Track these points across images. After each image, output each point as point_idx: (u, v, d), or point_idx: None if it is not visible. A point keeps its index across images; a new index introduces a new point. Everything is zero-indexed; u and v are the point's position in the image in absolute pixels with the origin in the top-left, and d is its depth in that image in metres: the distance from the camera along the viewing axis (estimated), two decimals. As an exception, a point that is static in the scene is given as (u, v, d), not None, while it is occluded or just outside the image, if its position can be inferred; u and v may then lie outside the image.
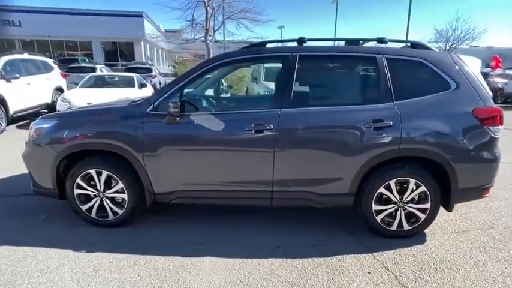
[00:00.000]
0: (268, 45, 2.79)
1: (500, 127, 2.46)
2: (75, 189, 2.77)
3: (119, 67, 23.42)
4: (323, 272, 2.26)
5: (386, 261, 2.39)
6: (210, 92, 3.82)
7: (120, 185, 2.72)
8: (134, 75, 9.53)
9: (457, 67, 2.52)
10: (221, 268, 2.30)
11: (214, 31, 13.88)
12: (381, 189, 2.56)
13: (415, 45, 2.69)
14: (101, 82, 8.95)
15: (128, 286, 2.11)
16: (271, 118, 2.50)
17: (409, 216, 2.62)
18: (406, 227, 2.63)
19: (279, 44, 2.82)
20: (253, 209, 3.08)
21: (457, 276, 2.21)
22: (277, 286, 2.12)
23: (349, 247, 2.56)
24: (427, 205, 2.57)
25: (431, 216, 2.60)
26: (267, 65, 9.82)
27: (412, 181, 2.52)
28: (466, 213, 3.10)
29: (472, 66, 2.57)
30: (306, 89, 2.60)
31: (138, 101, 3.03)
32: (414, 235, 2.68)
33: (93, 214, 2.83)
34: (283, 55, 2.59)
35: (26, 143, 2.93)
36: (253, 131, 2.50)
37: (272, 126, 2.48)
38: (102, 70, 14.89)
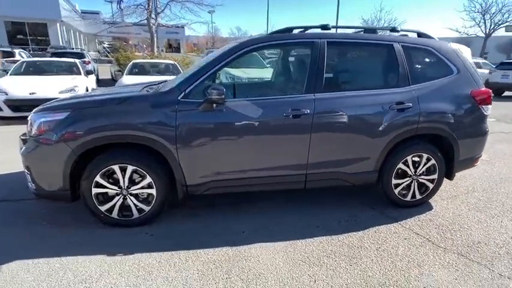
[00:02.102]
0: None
1: (489, 106, 2.99)
2: (93, 189, 2.50)
3: (31, 52, 20.40)
4: (369, 243, 2.51)
5: (412, 227, 2.75)
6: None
7: (148, 180, 2.54)
8: (77, 60, 8.50)
9: (456, 54, 2.97)
10: (276, 252, 2.38)
11: (157, 13, 12.97)
12: (400, 165, 2.90)
13: (420, 34, 3.06)
14: (35, 69, 7.78)
15: (194, 283, 2.05)
16: (307, 103, 2.61)
17: (421, 187, 3.04)
18: (418, 196, 3.05)
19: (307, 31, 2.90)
20: (274, 194, 3.18)
21: (471, 232, 2.69)
22: (337, 261, 2.29)
23: (376, 219, 2.87)
24: (435, 176, 3.01)
25: (438, 185, 3.06)
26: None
27: (425, 155, 2.92)
28: (450, 182, 3.69)
29: (465, 53, 3.05)
30: (335, 74, 2.76)
31: (154, 86, 2.84)
32: (423, 203, 3.11)
33: (115, 214, 2.60)
34: (313, 41, 2.69)
35: (23, 139, 2.52)
36: (291, 116, 2.58)
37: (308, 111, 2.60)
38: (21, 55, 12.83)
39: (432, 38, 3.04)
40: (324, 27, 2.81)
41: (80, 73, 7.83)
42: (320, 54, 2.67)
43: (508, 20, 22.15)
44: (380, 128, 2.74)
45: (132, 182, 2.56)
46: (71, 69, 7.99)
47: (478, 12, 23.90)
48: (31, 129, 2.51)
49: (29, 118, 2.61)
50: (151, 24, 12.57)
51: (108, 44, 32.97)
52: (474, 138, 3.00)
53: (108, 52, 26.58)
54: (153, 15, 12.56)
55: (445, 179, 3.09)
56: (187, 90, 2.51)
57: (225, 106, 2.51)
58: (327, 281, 2.09)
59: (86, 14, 33.27)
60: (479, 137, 3.01)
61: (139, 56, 11.76)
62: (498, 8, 23.00)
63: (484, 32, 23.86)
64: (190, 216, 2.87)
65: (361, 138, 2.75)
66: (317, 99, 2.63)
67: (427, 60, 2.94)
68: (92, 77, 8.81)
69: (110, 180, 2.53)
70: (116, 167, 2.48)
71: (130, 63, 8.70)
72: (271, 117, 2.58)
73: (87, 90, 7.55)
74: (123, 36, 33.94)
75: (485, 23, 23.56)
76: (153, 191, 2.59)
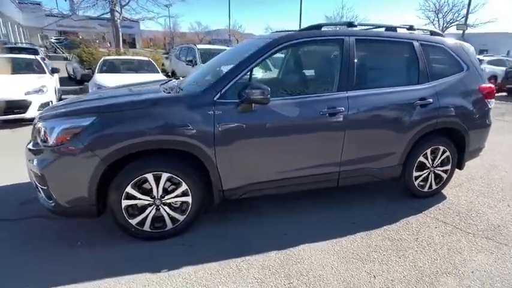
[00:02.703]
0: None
1: (493, 100, 3.25)
2: (123, 201, 2.28)
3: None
4: (406, 235, 2.62)
5: (437, 216, 2.92)
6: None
7: (183, 187, 2.39)
8: (38, 57, 7.68)
9: (464, 52, 3.18)
10: (325, 251, 2.38)
11: (122, 6, 12.08)
12: (420, 158, 3.05)
13: (433, 33, 3.23)
14: (-12, 67, 6.88)
15: (257, 291, 1.98)
16: (341, 101, 2.63)
17: (436, 177, 3.23)
18: (433, 187, 3.24)
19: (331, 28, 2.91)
20: (299, 194, 3.16)
21: (489, 217, 2.92)
22: (386, 255, 2.36)
23: (402, 212, 2.99)
24: (449, 167, 3.21)
25: (450, 175, 3.28)
26: (200, 46, 9.48)
27: (441, 148, 3.11)
28: (450, 171, 3.98)
29: (471, 51, 3.28)
30: (363, 71, 2.80)
31: (166, 86, 2.67)
32: (437, 193, 3.31)
33: (147, 227, 2.41)
34: (343, 38, 2.71)
35: (34, 150, 2.22)
36: (327, 114, 2.58)
37: (343, 109, 2.62)
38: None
39: (443, 36, 3.22)
40: (350, 24, 2.84)
41: (44, 71, 7.09)
42: (350, 52, 2.70)
43: (458, 19, 24.40)
44: (406, 124, 2.85)
45: (164, 190, 2.38)
46: (32, 67, 7.20)
47: (432, 11, 26.02)
48: (46, 138, 2.21)
49: (39, 126, 2.30)
50: (115, 18, 11.71)
51: (56, 39, 30.28)
52: (481, 130, 3.25)
53: (58, 48, 24.39)
54: (117, 8, 11.69)
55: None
56: (223, 91, 2.39)
57: (264, 105, 2.42)
58: (385, 276, 2.14)
59: (24, 5, 30.16)
60: (485, 128, 3.27)
61: (105, 52, 10.93)
62: (449, 8, 25.27)
63: (438, 29, 26.16)
64: (222, 221, 2.76)
65: (389, 133, 2.84)
66: (350, 97, 2.66)
67: (441, 57, 3.11)
68: (56, 76, 8.02)
69: (141, 190, 2.33)
70: (149, 176, 2.29)
71: (101, 60, 8.07)
72: (308, 116, 2.56)
73: (55, 92, 6.89)
74: (73, 31, 31.41)
75: (438, 21, 25.70)
76: (189, 199, 2.44)
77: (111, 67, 7.90)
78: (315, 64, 2.79)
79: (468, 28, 19.67)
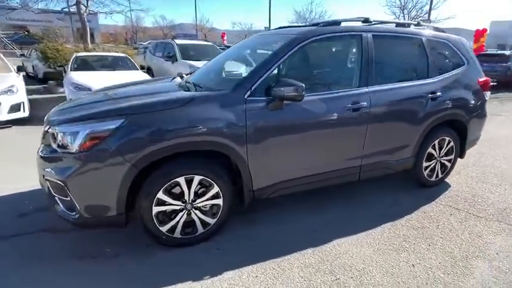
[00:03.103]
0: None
1: (489, 92, 3.49)
2: (154, 208, 2.16)
3: None
4: (427, 223, 2.75)
5: (448, 204, 3.09)
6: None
7: (215, 189, 2.31)
8: (0, 55, 6.99)
9: (464, 47, 3.38)
10: (360, 244, 2.43)
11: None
12: (429, 149, 3.21)
13: (436, 29, 3.38)
14: None
15: (308, 290, 1.97)
16: (363, 95, 2.68)
17: (441, 167, 3.42)
18: (439, 176, 3.42)
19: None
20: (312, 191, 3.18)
21: (493, 201, 3.15)
22: (416, 243, 2.46)
23: (415, 201, 3.13)
24: (452, 156, 3.41)
25: (453, 164, 3.48)
26: (179, 42, 9.19)
27: (447, 139, 3.29)
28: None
29: (468, 46, 3.49)
30: (381, 66, 2.86)
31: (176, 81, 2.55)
32: (442, 182, 3.51)
33: (177, 233, 2.30)
34: (362, 34, 2.75)
35: (51, 157, 2.03)
36: (351, 110, 2.62)
37: (366, 104, 2.67)
38: None
39: (445, 32, 3.39)
40: (366, 20, 2.89)
41: (10, 69, 6.47)
42: (369, 47, 2.75)
43: (422, 15, 25.85)
44: (420, 117, 2.97)
45: (195, 194, 2.28)
46: (-6, 65, 6.54)
47: (397, 7, 27.34)
48: (67, 144, 2.02)
49: (54, 131, 2.09)
50: (81, 12, 10.88)
51: (3, 33, 27.71)
52: (480, 120, 3.48)
53: (9, 43, 22.35)
54: (83, 1, 10.89)
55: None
56: (252, 88, 2.33)
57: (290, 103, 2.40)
58: (422, 264, 2.23)
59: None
60: (482, 118, 3.50)
61: (71, 48, 10.18)
62: (413, 4, 26.70)
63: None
64: (248, 222, 2.71)
65: (405, 126, 2.95)
66: (370, 92, 2.71)
67: (446, 52, 3.27)
68: (21, 75, 7.36)
69: (171, 195, 2.22)
70: (181, 179, 2.18)
71: (73, 57, 7.52)
72: (335, 111, 2.58)
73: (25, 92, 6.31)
74: (22, 24, 28.93)
75: (404, 17, 27.00)
76: (220, 201, 2.36)
77: (84, 64, 7.41)
78: (338, 59, 2.81)
79: (430, 24, 20.98)
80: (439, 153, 3.32)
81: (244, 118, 2.27)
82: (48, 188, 2.17)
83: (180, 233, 2.31)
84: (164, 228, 2.25)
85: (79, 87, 6.19)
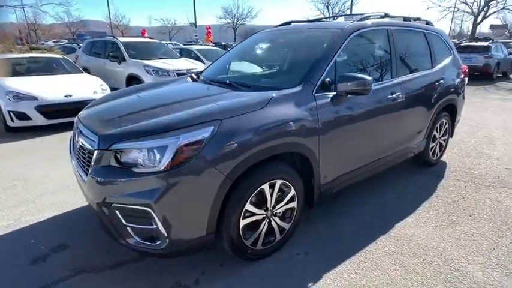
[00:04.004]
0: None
1: (466, 78, 4.09)
2: (241, 222, 2.00)
3: None
4: (453, 196, 3.13)
5: (457, 177, 3.56)
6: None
7: (292, 192, 2.25)
8: None
9: (449, 39, 3.89)
10: (419, 225, 2.64)
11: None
12: (434, 131, 3.63)
13: (428, 23, 3.80)
14: None
15: (409, 276, 2.08)
16: (397, 86, 2.89)
17: (440, 147, 3.89)
18: (438, 154, 3.91)
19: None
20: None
21: (487, 171, 3.74)
22: (460, 215, 2.78)
23: (431, 180, 3.52)
24: (447, 136, 3.93)
25: (447, 143, 4.00)
26: (124, 40, 8.40)
27: (445, 121, 3.77)
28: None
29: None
30: (403, 58, 3.10)
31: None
32: (440, 159, 4.00)
33: (259, 245, 2.18)
34: (389, 28, 2.96)
35: (121, 181, 1.72)
36: (392, 100, 2.81)
37: (400, 93, 2.89)
38: None
39: (433, 25, 3.85)
40: (386, 15, 3.11)
41: None
42: (395, 40, 2.97)
43: (344, 10, 28.35)
44: (432, 103, 3.34)
45: (275, 199, 2.18)
46: None
47: (322, 3, 29.45)
48: (148, 162, 1.72)
49: (126, 148, 1.75)
50: None
51: None
52: (462, 102, 4.07)
53: None
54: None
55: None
56: (317, 84, 2.31)
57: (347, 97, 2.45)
58: (478, 232, 2.54)
59: None
60: (464, 100, 4.10)
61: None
62: (335, 0, 29.09)
63: (328, 21, 29.95)
64: (307, 222, 2.68)
65: (423, 113, 3.29)
66: (401, 82, 2.95)
67: (439, 44, 3.71)
68: None
69: (255, 205, 2.08)
70: (265, 186, 2.06)
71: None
72: (383, 102, 2.73)
73: None
74: None
75: (328, 12, 29.16)
76: (294, 204, 2.31)
77: (12, 69, 6.20)
78: (375, 52, 2.95)
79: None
80: (439, 135, 3.78)
81: (316, 115, 2.24)
82: (113, 218, 1.81)
83: (262, 244, 2.19)
84: (248, 242, 2.10)
85: (19, 97, 5.19)
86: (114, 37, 8.55)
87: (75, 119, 2.49)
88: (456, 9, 24.25)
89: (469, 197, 3.13)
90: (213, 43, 24.36)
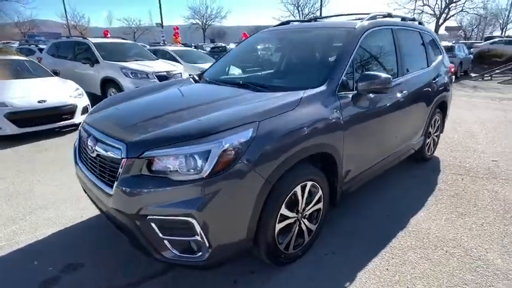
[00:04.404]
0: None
1: (453, 76, 4.35)
2: (277, 226, 1.97)
3: None
4: (455, 189, 3.31)
5: (451, 171, 3.77)
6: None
7: (319, 193, 2.26)
8: None
9: (438, 39, 4.11)
10: (431, 219, 2.76)
11: None
12: (430, 128, 3.83)
13: (420, 23, 3.99)
14: None
15: (438, 268, 2.16)
16: (404, 84, 3.01)
17: (433, 143, 4.11)
18: (432, 149, 4.12)
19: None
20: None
21: (476, 164, 3.99)
22: (466, 206, 2.95)
23: (429, 175, 3.70)
24: (439, 132, 4.15)
25: (439, 138, 4.23)
26: (95, 40, 8.00)
27: (437, 118, 3.98)
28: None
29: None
30: (405, 57, 3.21)
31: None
32: (432, 157, 4.22)
33: (291, 249, 2.16)
34: (391, 28, 3.06)
35: (156, 191, 1.62)
36: (401, 98, 2.92)
37: (406, 91, 3.01)
38: None
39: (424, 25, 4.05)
40: (389, 15, 3.22)
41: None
42: (399, 40, 3.10)
43: (314, 11, 28.98)
44: (430, 100, 3.52)
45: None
46: None
47: (292, 4, 29.96)
48: (189, 169, 1.63)
49: (174, 153, 1.65)
50: None
51: None
52: (451, 99, 4.32)
53: None
54: None
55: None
56: (339, 83, 2.34)
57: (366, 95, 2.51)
58: (486, 222, 2.71)
59: None
60: (451, 98, 4.35)
61: None
62: (305, 1, 29.70)
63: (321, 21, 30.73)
64: (328, 222, 2.70)
65: (424, 109, 3.45)
66: (406, 81, 3.08)
67: (431, 43, 3.91)
68: None
69: (288, 208, 2.06)
70: (298, 188, 2.05)
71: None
72: (394, 99, 2.83)
73: None
74: None
75: (299, 13, 29.70)
76: (321, 205, 2.32)
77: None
78: (383, 51, 3.02)
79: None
80: (433, 131, 3.98)
81: (340, 114, 2.27)
82: (148, 231, 1.70)
83: (293, 248, 2.17)
84: (282, 246, 2.07)
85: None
86: (84, 37, 8.10)
87: (81, 126, 2.31)
88: (420, 11, 25.79)
89: (468, 189, 3.33)
90: (182, 44, 23.92)
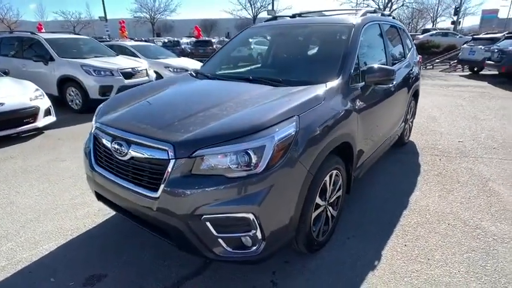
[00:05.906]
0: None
1: (421, 66, 4.79)
2: (312, 214, 2.07)
3: None
4: (438, 169, 3.68)
5: (429, 153, 4.18)
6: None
7: (340, 181, 2.40)
8: None
9: (408, 32, 4.49)
10: (425, 196, 3.06)
11: None
12: (408, 114, 4.19)
13: (394, 17, 4.30)
14: None
15: (451, 248, 2.44)
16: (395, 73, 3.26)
17: (409, 128, 4.50)
18: (408, 135, 4.52)
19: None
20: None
21: (448, 145, 4.46)
22: (452, 183, 3.31)
23: (411, 158, 4.06)
24: (413, 118, 4.56)
25: (412, 125, 4.64)
26: (47, 36, 7.34)
27: (412, 104, 4.36)
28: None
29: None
30: (391, 49, 3.47)
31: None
32: (408, 141, 4.62)
33: (320, 236, 2.28)
34: (378, 23, 3.28)
35: (213, 190, 1.63)
36: (392, 87, 3.16)
37: (395, 81, 3.27)
38: None
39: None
40: (375, 11, 3.45)
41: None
42: (385, 34, 3.33)
43: (266, 5, 29.19)
44: (410, 89, 3.85)
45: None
46: None
47: None
48: (244, 164, 1.64)
49: (227, 150, 1.65)
50: None
51: None
52: (420, 87, 4.74)
53: None
54: None
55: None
56: (350, 75, 2.48)
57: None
58: (473, 196, 3.07)
59: None
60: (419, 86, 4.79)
61: None
62: None
63: (251, 14, 30.60)
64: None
65: (405, 97, 3.77)
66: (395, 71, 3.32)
67: (405, 37, 4.25)
68: None
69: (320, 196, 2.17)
70: (327, 178, 2.16)
71: None
72: (390, 89, 3.08)
73: None
74: None
75: (251, 7, 29.68)
76: (340, 192, 2.46)
77: None
78: (375, 44, 3.21)
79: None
80: (410, 117, 4.37)
81: (354, 105, 2.41)
82: (202, 230, 1.68)
83: (322, 234, 2.28)
84: (315, 234, 2.17)
85: None
86: (33, 33, 7.34)
87: (96, 128, 2.16)
88: (366, 5, 27.45)
89: (448, 168, 3.73)
90: (129, 39, 22.71)
